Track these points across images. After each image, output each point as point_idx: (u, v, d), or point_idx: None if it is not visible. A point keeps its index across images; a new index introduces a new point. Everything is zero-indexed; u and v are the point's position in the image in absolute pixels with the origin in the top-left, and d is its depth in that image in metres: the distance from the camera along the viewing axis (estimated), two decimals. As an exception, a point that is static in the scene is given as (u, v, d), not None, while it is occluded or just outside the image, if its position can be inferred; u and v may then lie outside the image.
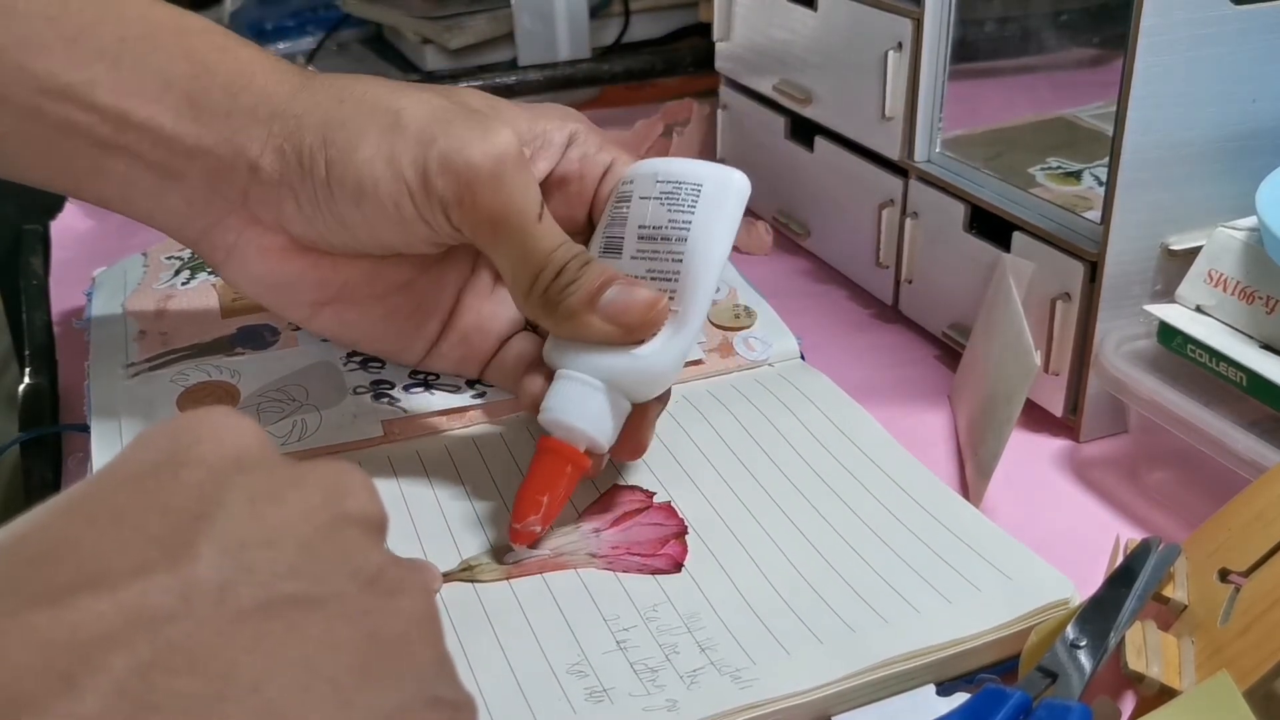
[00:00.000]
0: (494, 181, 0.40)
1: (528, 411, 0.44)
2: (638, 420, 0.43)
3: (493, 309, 0.48)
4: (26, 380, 0.55)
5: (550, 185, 0.45)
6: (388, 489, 0.45)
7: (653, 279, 0.42)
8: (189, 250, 0.61)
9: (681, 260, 0.42)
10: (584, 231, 0.46)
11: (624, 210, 0.44)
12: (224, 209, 0.42)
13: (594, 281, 0.41)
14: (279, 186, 0.41)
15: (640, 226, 0.43)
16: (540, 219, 0.41)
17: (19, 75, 0.40)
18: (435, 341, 0.48)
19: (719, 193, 0.42)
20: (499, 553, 0.42)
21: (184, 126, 0.41)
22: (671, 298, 0.42)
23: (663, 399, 0.44)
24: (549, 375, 0.43)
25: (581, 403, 0.41)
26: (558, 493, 0.41)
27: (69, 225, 0.71)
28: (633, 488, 0.45)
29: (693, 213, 0.42)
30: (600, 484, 0.45)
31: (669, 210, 0.42)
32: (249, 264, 0.43)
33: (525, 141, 0.43)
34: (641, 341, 0.41)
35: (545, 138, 0.45)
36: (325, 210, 0.41)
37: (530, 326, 0.49)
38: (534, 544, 0.42)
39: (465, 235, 0.41)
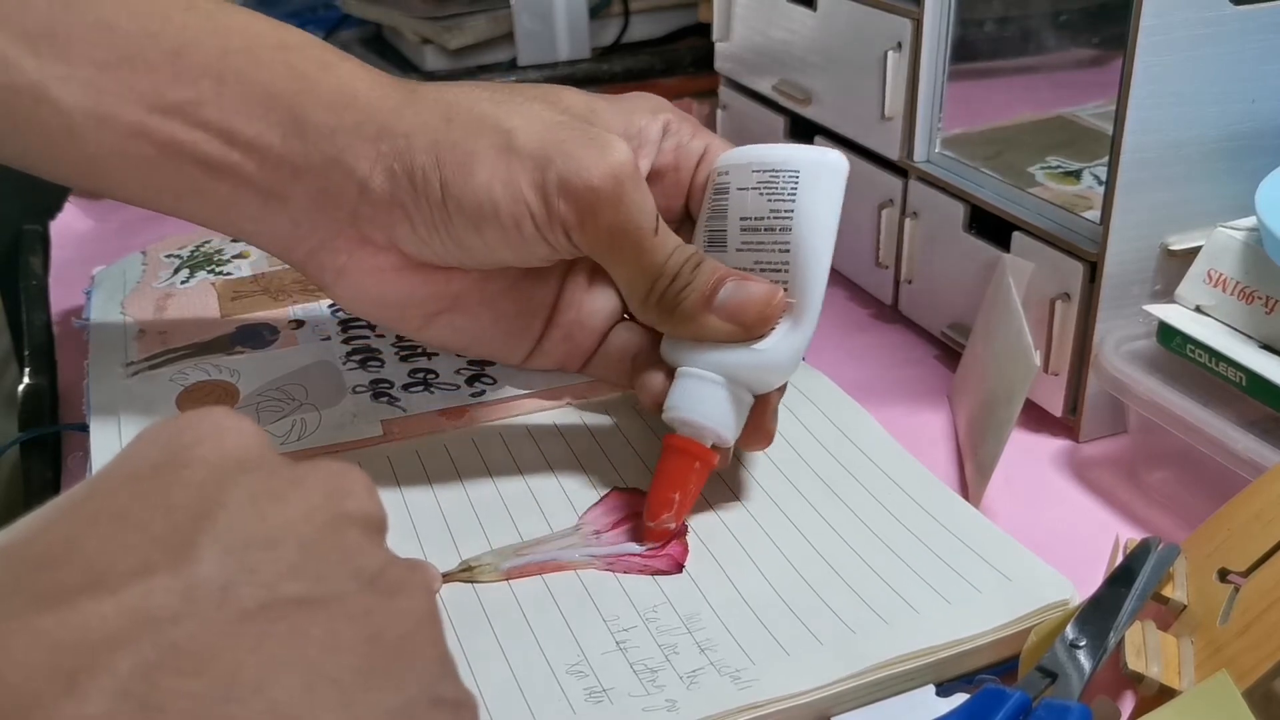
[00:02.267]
0: (614, 201, 0.40)
1: (649, 411, 0.44)
2: (761, 411, 0.43)
3: (593, 302, 0.48)
4: (26, 380, 0.55)
5: (649, 179, 0.45)
6: (387, 489, 0.45)
7: (762, 270, 0.42)
8: (188, 249, 0.61)
9: (789, 250, 0.42)
10: (681, 220, 0.46)
11: (723, 202, 0.43)
12: (332, 230, 0.42)
13: (707, 282, 0.41)
14: (390, 207, 0.41)
15: (742, 218, 0.43)
16: (656, 231, 0.41)
17: (124, 94, 0.39)
18: (539, 340, 0.47)
19: (817, 177, 0.42)
20: (500, 555, 0.42)
21: (290, 144, 0.40)
22: (785, 288, 0.42)
23: (782, 388, 0.44)
24: (668, 372, 0.43)
25: (707, 400, 0.41)
26: (689, 489, 0.42)
27: (68, 225, 0.71)
28: (633, 490, 0.45)
29: (794, 200, 0.42)
30: (601, 487, 0.45)
31: (769, 200, 0.42)
32: (361, 284, 0.43)
33: (626, 141, 0.43)
34: (762, 336, 0.41)
35: (643, 134, 0.45)
36: (442, 231, 0.41)
37: (632, 317, 0.48)
38: (666, 541, 0.42)
39: (584, 251, 0.41)
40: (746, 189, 0.43)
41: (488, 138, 0.40)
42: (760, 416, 0.43)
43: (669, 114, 0.46)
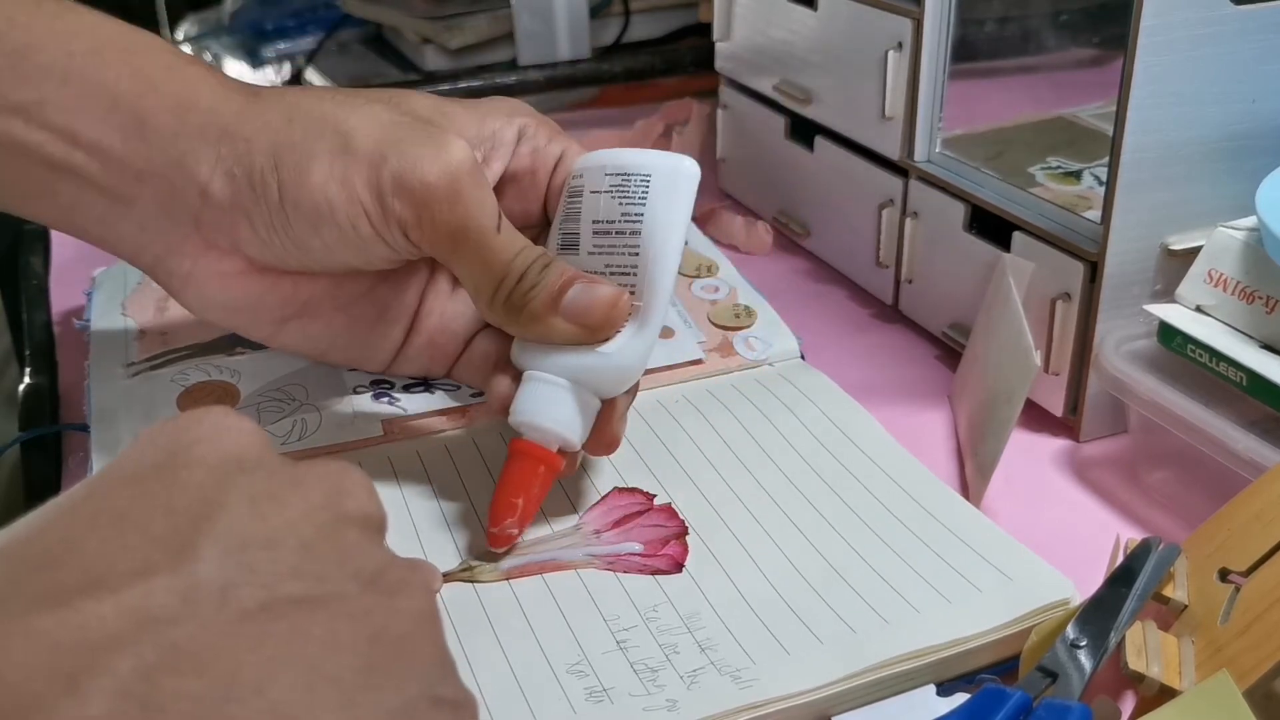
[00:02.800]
0: (450, 198, 0.40)
1: (497, 414, 0.43)
2: (607, 415, 0.42)
3: (455, 309, 0.48)
4: (26, 380, 0.55)
5: (503, 183, 0.45)
6: (387, 489, 0.45)
7: (611, 274, 0.42)
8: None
9: (638, 253, 0.42)
10: (539, 225, 0.46)
11: (577, 205, 0.43)
12: (178, 235, 0.41)
13: (555, 283, 0.41)
14: (231, 211, 0.40)
15: (594, 221, 0.43)
16: (499, 230, 0.41)
17: None
18: (401, 346, 0.48)
19: (669, 181, 0.42)
20: (485, 557, 0.42)
21: (132, 147, 0.40)
22: (632, 291, 0.41)
23: (631, 392, 0.44)
24: (516, 376, 0.43)
25: (551, 403, 0.41)
26: (532, 494, 0.41)
27: (69, 225, 0.71)
28: (633, 490, 0.45)
29: (644, 204, 0.42)
30: (601, 486, 0.45)
31: (620, 203, 0.42)
32: (208, 290, 0.43)
33: (476, 144, 0.43)
34: (607, 339, 0.41)
35: (496, 137, 0.44)
36: (281, 234, 0.41)
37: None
38: (510, 548, 0.41)
39: (424, 251, 0.41)
40: (600, 192, 0.43)
41: (326, 139, 0.40)
42: (606, 421, 0.42)
43: (526, 118, 0.45)
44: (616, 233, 0.42)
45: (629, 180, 0.42)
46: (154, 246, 0.42)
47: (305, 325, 0.45)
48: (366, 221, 0.40)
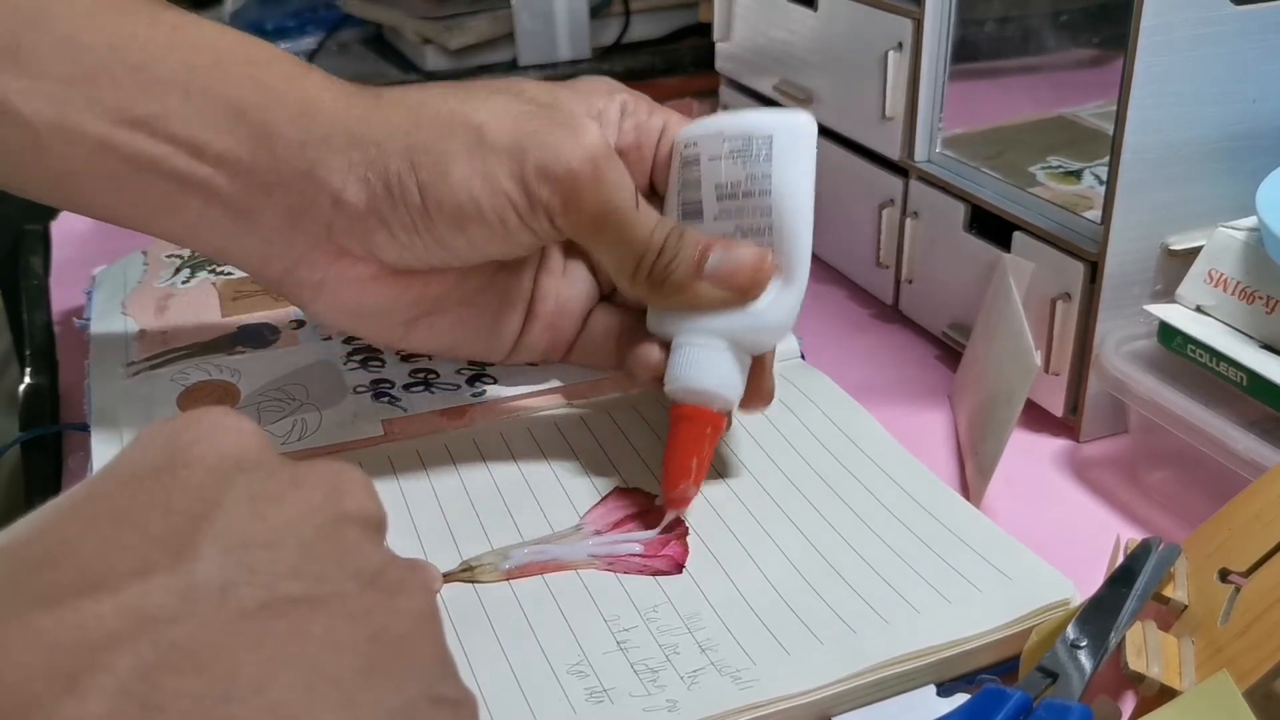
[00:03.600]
0: (594, 182, 0.40)
1: (647, 384, 0.44)
2: (759, 372, 0.44)
3: (569, 289, 0.48)
4: (27, 380, 0.55)
5: None
6: (388, 489, 0.45)
7: (744, 235, 0.43)
8: (190, 250, 0.61)
9: (771, 213, 0.42)
10: (648, 197, 0.46)
11: (695, 173, 0.44)
12: (307, 245, 0.42)
13: (694, 251, 0.42)
14: (366, 216, 0.40)
15: (717, 186, 0.43)
16: (638, 207, 0.42)
17: (89, 108, 0.39)
18: (521, 333, 0.48)
19: (791, 138, 0.43)
20: (493, 567, 0.42)
21: (260, 158, 0.40)
22: (770, 249, 0.43)
23: (774, 348, 0.45)
24: (662, 344, 0.44)
25: (710, 366, 0.42)
26: (704, 455, 0.42)
27: (69, 225, 0.71)
28: (634, 490, 0.45)
29: (770, 164, 0.42)
30: (602, 487, 0.45)
31: (744, 166, 0.43)
32: (341, 297, 0.43)
33: None
34: (755, 298, 0.42)
35: (603, 116, 0.45)
36: (424, 234, 0.41)
37: (607, 298, 0.49)
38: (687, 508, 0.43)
39: (569, 235, 0.42)
40: (719, 158, 0.43)
41: (458, 136, 0.40)
42: (759, 377, 0.44)
43: (624, 94, 0.46)
44: (745, 194, 0.43)
45: (750, 143, 0.43)
46: (282, 259, 0.42)
47: (434, 322, 0.45)
48: (513, 213, 0.40)
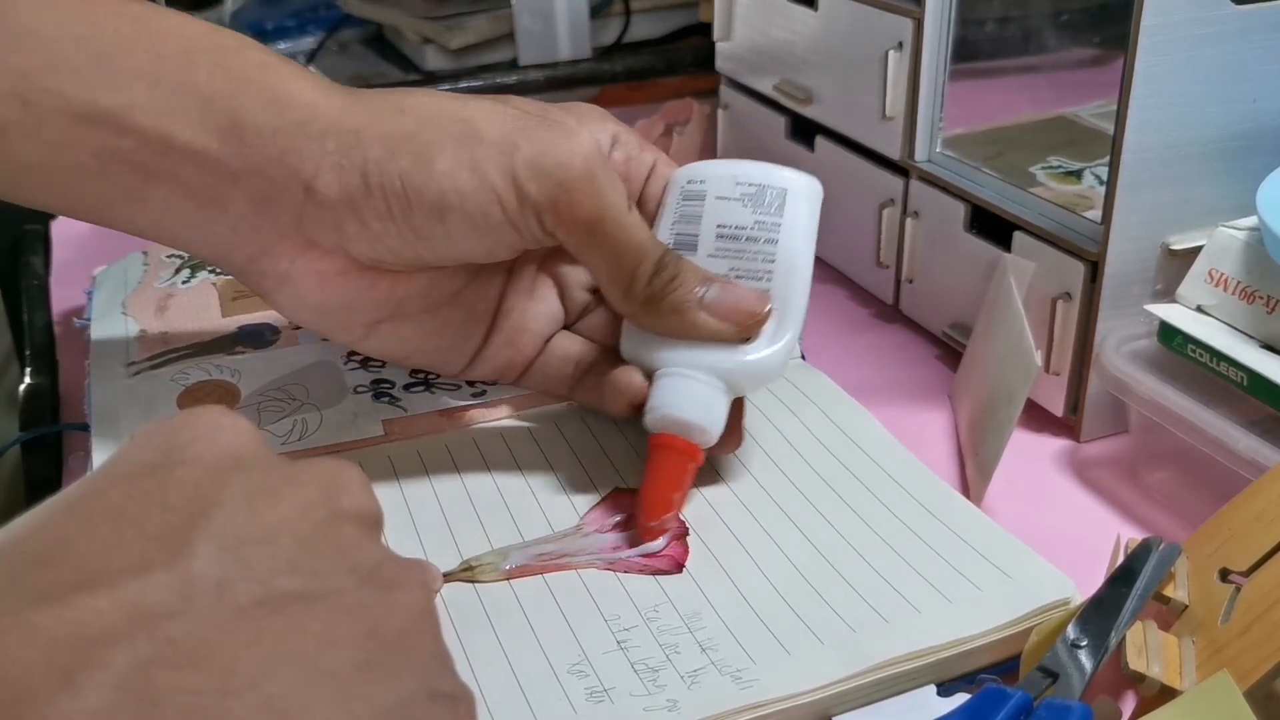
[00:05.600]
0: (588, 181, 0.40)
1: (620, 411, 0.44)
2: (737, 413, 0.43)
3: (535, 307, 0.47)
4: (27, 380, 0.55)
5: None
6: (388, 489, 0.45)
7: (738, 277, 0.43)
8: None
9: (774, 260, 0.43)
10: None
11: (697, 208, 0.44)
12: (274, 235, 0.40)
13: (695, 279, 0.42)
14: (339, 206, 0.39)
15: (720, 225, 0.43)
16: (631, 211, 0.41)
17: (52, 101, 0.38)
18: (480, 348, 0.46)
19: (804, 198, 0.44)
20: (499, 555, 0.42)
21: (229, 147, 0.39)
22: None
23: None
24: (644, 372, 0.43)
25: (699, 399, 0.42)
26: (685, 488, 0.42)
27: (69, 225, 0.71)
28: (634, 490, 0.45)
29: (780, 215, 0.43)
30: (602, 487, 0.45)
31: (754, 212, 0.43)
32: (305, 291, 0.42)
33: None
34: (749, 339, 0.42)
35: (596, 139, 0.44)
36: (401, 226, 0.40)
37: (568, 326, 0.48)
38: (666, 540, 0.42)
39: (555, 238, 0.41)
40: (728, 199, 0.43)
41: (445, 127, 0.40)
42: (736, 418, 0.43)
43: (617, 125, 0.45)
44: (749, 239, 0.43)
45: (764, 191, 0.44)
46: (247, 247, 0.41)
47: (397, 327, 0.44)
48: (499, 208, 0.39)
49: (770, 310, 0.42)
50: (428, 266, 0.42)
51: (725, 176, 0.44)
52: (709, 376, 0.42)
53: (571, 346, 0.47)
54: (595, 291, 0.48)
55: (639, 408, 0.43)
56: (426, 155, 0.39)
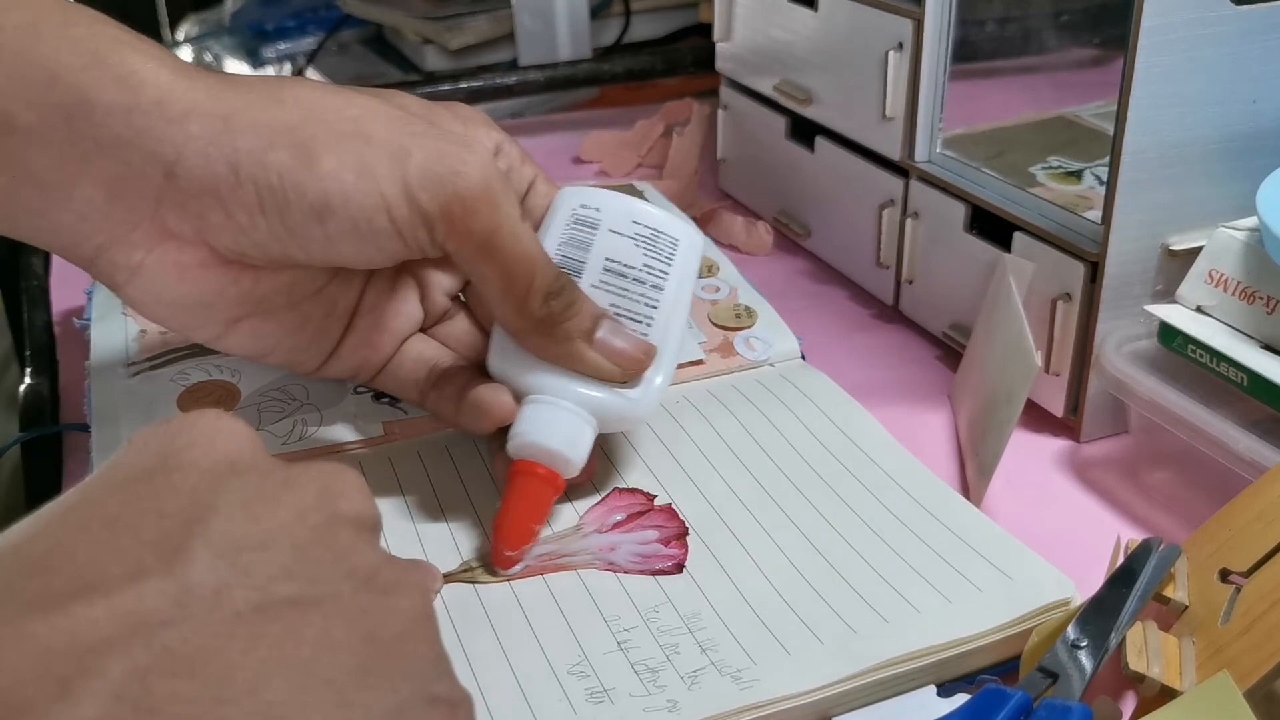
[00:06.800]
0: (484, 192, 0.38)
1: (481, 427, 0.42)
2: (595, 448, 0.42)
3: (395, 307, 0.44)
4: (27, 380, 0.55)
5: None
6: (388, 489, 0.45)
7: (618, 314, 0.42)
8: None
9: (657, 307, 0.43)
10: None
11: (587, 235, 0.43)
12: (128, 223, 0.37)
13: (591, 313, 0.41)
14: (201, 194, 0.37)
15: (608, 259, 0.43)
16: (525, 225, 0.40)
17: None
18: (336, 345, 0.44)
19: (692, 251, 0.45)
20: (487, 569, 0.41)
21: (78, 127, 0.36)
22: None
23: None
24: (499, 388, 0.42)
25: (573, 431, 0.41)
26: (544, 518, 0.42)
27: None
28: (634, 490, 0.45)
29: (670, 264, 0.44)
30: (602, 487, 0.45)
31: (645, 255, 0.43)
32: (161, 284, 0.39)
33: None
34: (628, 383, 0.42)
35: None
36: (272, 222, 0.37)
37: (425, 329, 0.46)
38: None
39: (442, 250, 0.39)
40: (621, 234, 0.43)
41: (330, 123, 0.37)
42: (595, 453, 0.42)
43: (500, 134, 0.44)
44: (634, 280, 0.43)
45: (659, 236, 0.44)
46: (96, 236, 0.38)
47: (257, 324, 0.41)
48: (385, 216, 0.37)
49: (653, 359, 0.42)
50: (292, 265, 0.40)
51: (622, 212, 0.44)
52: (580, 410, 0.41)
53: (427, 350, 0.45)
54: (456, 298, 0.46)
55: (502, 428, 0.42)
56: (308, 151, 0.37)
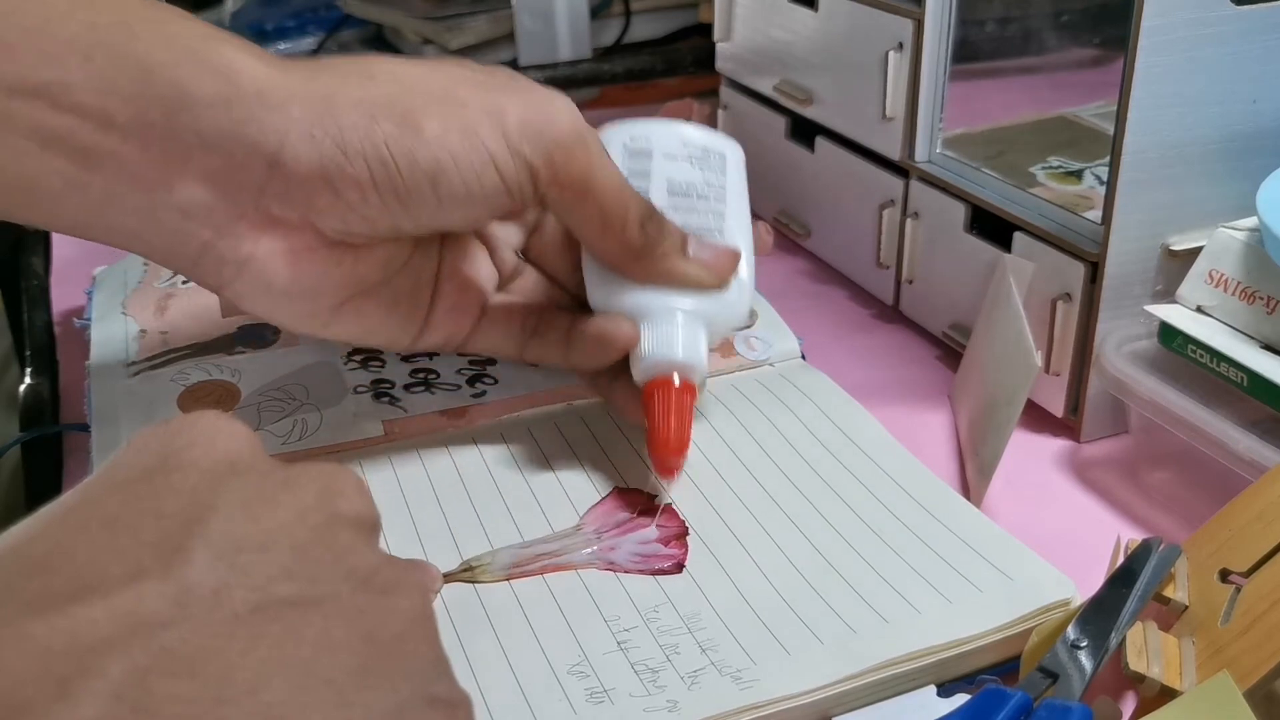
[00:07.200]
0: (581, 141, 0.40)
1: (603, 358, 0.45)
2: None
3: (472, 269, 0.46)
4: (27, 380, 0.56)
5: None
6: (388, 489, 0.45)
7: (693, 231, 0.45)
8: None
9: (724, 216, 0.47)
10: None
11: (645, 164, 0.46)
12: (231, 215, 0.38)
13: (678, 230, 0.44)
14: (310, 178, 0.37)
15: (671, 182, 0.46)
16: (613, 164, 0.42)
17: None
18: (428, 315, 0.45)
19: (737, 160, 0.49)
20: (501, 556, 0.42)
21: (178, 121, 0.36)
22: None
23: None
24: (625, 316, 0.44)
25: (690, 340, 0.44)
26: (691, 424, 0.43)
27: (69, 225, 0.71)
28: (634, 490, 0.45)
29: (724, 175, 0.48)
30: (602, 487, 0.45)
31: (701, 172, 0.47)
32: (272, 273, 0.39)
33: None
34: (726, 285, 0.45)
35: None
36: (385, 194, 0.38)
37: (500, 288, 0.48)
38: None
39: (548, 199, 0.41)
40: (675, 158, 0.47)
41: (424, 92, 0.38)
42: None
43: None
44: (699, 196, 0.46)
45: (708, 154, 0.48)
46: (202, 232, 0.38)
47: (360, 305, 0.42)
48: (494, 172, 0.39)
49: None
50: (396, 237, 0.41)
51: (670, 137, 0.47)
52: (694, 319, 0.44)
53: (511, 307, 0.47)
54: (521, 253, 0.49)
55: (615, 353, 0.44)
56: (412, 120, 0.38)
